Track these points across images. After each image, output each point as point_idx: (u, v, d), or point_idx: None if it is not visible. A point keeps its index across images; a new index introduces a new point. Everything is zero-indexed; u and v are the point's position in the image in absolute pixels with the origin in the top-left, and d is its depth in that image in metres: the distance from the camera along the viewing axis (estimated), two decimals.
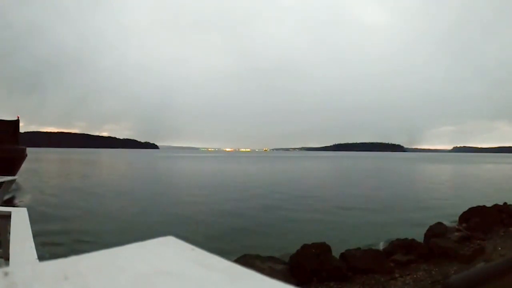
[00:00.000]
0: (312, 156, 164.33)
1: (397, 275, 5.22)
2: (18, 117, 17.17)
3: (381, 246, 7.13)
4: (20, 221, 1.87)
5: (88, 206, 13.65)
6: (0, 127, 15.95)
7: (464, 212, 9.08)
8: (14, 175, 16.95)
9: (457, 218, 9.15)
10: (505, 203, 9.96)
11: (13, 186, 16.69)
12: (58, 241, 8.53)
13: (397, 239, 6.64)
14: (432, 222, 8.25)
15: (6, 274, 0.35)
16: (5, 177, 3.38)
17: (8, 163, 16.75)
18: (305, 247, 5.66)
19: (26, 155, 18.46)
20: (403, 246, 6.21)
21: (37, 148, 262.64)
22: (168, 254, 0.41)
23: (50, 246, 7.86)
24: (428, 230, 7.57)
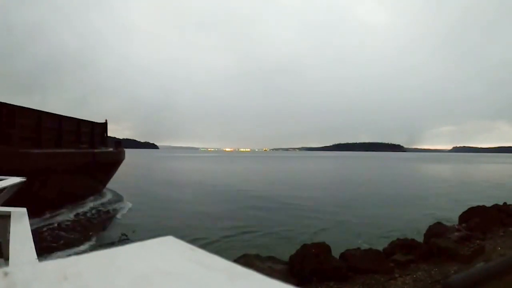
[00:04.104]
0: (312, 156, 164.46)
1: (397, 275, 5.21)
2: (106, 120, 17.19)
3: (381, 246, 7.12)
4: (19, 221, 1.87)
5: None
6: (94, 129, 15.66)
7: (464, 212, 9.08)
8: (111, 177, 17.07)
9: (456, 218, 9.15)
10: (505, 203, 9.96)
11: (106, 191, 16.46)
12: None
13: (397, 239, 6.63)
14: (432, 222, 8.25)
15: (6, 274, 0.35)
16: (14, 178, 3.10)
17: (113, 165, 16.98)
18: (304, 247, 5.65)
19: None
20: (403, 246, 6.21)
21: None
22: (168, 254, 0.41)
23: None
24: (427, 230, 7.57)
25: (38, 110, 11.18)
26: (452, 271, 5.12)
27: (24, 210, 2.11)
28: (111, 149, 16.72)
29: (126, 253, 0.41)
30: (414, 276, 5.16)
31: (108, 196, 15.67)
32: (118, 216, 12.29)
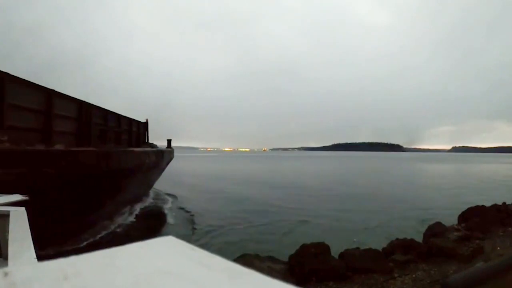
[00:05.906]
0: (311, 156, 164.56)
1: (396, 275, 5.22)
2: (147, 119, 17.30)
3: (380, 246, 7.13)
4: (18, 220, 1.85)
5: None
6: (139, 129, 15.74)
7: (463, 212, 9.10)
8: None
9: (456, 218, 9.17)
10: (504, 203, 9.98)
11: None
12: None
13: (396, 239, 6.64)
14: (431, 221, 8.26)
15: (6, 274, 0.35)
16: (12, 196, 2.37)
17: (168, 163, 17.91)
18: (304, 247, 5.66)
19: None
20: (402, 246, 6.21)
21: None
22: (168, 254, 0.41)
23: None
24: (427, 230, 7.59)
25: (105, 109, 11.11)
26: (451, 271, 5.13)
27: (22, 209, 2.09)
28: (165, 149, 17.64)
29: (126, 253, 0.41)
30: (414, 276, 5.16)
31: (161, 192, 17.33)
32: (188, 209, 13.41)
